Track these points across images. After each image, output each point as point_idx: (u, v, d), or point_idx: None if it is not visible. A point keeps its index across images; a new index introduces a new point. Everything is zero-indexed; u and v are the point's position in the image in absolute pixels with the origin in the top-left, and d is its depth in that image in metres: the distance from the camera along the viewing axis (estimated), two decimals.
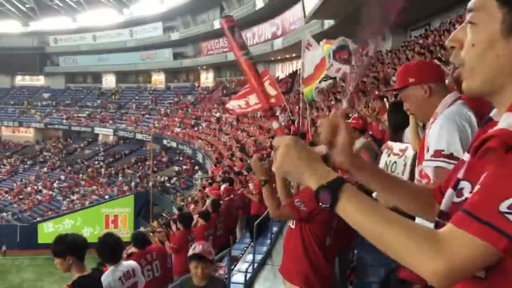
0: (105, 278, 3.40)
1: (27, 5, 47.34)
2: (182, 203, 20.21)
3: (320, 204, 0.92)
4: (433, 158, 1.84)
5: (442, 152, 1.80)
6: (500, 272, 0.82)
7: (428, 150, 1.92)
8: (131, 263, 3.91)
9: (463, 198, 0.90)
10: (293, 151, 0.98)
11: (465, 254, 0.80)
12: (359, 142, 5.14)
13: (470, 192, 0.87)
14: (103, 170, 37.14)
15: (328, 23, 21.81)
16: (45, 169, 39.47)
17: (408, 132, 3.14)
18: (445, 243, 0.82)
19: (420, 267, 0.83)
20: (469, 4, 0.95)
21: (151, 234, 7.33)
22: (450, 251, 0.81)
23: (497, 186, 0.78)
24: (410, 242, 0.84)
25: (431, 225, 0.98)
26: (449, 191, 0.95)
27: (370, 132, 5.61)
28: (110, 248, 3.62)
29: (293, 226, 3.10)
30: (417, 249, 0.84)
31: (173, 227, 7.03)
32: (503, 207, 0.76)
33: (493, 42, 0.89)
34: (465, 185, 0.91)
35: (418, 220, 1.32)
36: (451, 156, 1.77)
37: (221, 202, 8.54)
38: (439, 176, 1.79)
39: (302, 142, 1.01)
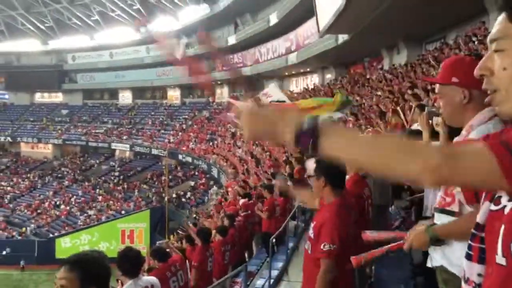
0: None
1: (46, 24, 48.51)
2: (194, 219, 20.23)
3: (303, 147, 0.91)
4: None
5: None
6: None
7: None
8: (152, 278, 3.92)
9: (501, 206, 0.91)
10: (256, 112, 0.97)
11: (473, 160, 0.84)
12: None
13: (508, 201, 0.88)
14: (119, 185, 37.46)
15: (342, 37, 21.87)
16: (63, 184, 39.97)
17: None
18: (458, 148, 0.88)
19: (411, 164, 0.85)
20: (491, 35, 0.97)
21: (171, 245, 7.39)
22: (456, 152, 0.85)
23: None
24: (402, 149, 0.88)
25: None
26: (486, 203, 0.96)
27: None
28: (130, 262, 3.63)
29: (310, 252, 2.99)
30: (411, 150, 0.87)
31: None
32: None
33: None
34: (502, 193, 0.91)
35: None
36: None
37: (237, 218, 8.56)
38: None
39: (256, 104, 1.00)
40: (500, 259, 0.84)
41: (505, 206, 0.88)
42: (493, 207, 0.93)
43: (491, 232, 0.92)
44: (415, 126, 4.92)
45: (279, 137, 0.94)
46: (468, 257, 1.03)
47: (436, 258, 2.11)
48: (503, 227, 0.84)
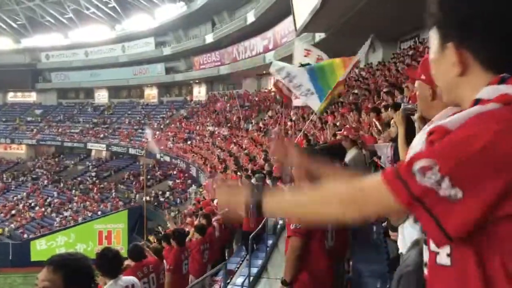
0: None
1: (18, 22, 47.42)
2: (174, 218, 20.12)
3: (251, 213, 1.20)
4: None
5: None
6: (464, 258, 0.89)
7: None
8: (132, 278, 3.89)
9: None
10: (223, 190, 1.32)
11: (370, 192, 0.93)
12: (351, 153, 5.22)
13: None
14: (96, 185, 36.92)
15: (319, 36, 22.05)
16: (37, 185, 39.16)
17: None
18: (363, 181, 0.96)
19: (332, 204, 1.01)
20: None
21: (146, 248, 7.32)
22: (359, 186, 0.96)
23: (419, 151, 0.90)
24: (319, 199, 1.04)
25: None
26: None
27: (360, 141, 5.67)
28: (109, 262, 3.60)
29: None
30: (331, 192, 1.03)
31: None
32: (415, 166, 0.86)
33: (437, 61, 1.03)
34: None
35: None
36: None
37: (215, 216, 8.55)
38: None
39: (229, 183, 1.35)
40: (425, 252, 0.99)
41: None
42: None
43: None
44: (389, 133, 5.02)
45: (238, 205, 1.23)
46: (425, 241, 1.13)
47: (400, 245, 2.22)
48: None
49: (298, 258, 3.08)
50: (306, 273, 3.03)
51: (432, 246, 0.93)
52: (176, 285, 6.39)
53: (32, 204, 35.71)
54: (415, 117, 2.69)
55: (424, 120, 2.73)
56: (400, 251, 2.27)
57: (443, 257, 0.91)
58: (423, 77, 1.98)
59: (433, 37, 1.03)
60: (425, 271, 1.18)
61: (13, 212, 34.82)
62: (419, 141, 1.83)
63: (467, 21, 0.94)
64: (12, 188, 39.79)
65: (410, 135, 3.07)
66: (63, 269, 1.72)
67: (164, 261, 6.42)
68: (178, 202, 29.83)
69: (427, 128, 1.90)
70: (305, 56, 9.46)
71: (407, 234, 2.10)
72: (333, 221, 1.07)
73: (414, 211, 0.87)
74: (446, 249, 0.90)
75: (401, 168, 0.89)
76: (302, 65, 8.58)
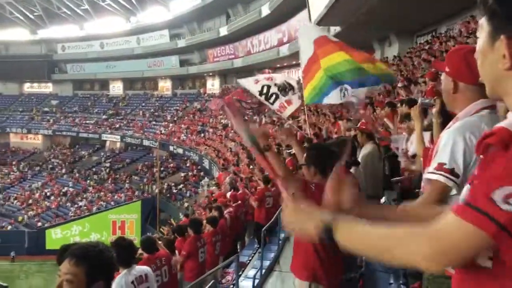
0: (118, 281, 3.46)
1: (35, 13, 47.87)
2: (186, 210, 20.27)
3: (323, 239, 1.10)
4: (434, 171, 1.81)
5: (444, 166, 1.76)
6: (503, 263, 0.87)
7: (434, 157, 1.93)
8: (145, 268, 3.94)
9: None
10: (296, 211, 1.19)
11: (456, 238, 0.87)
12: (367, 148, 5.18)
13: None
14: (110, 176, 37.32)
15: (334, 29, 21.87)
16: (53, 175, 39.72)
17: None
18: (439, 228, 0.89)
19: (411, 256, 0.92)
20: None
21: (158, 241, 7.39)
22: (439, 235, 0.88)
23: (492, 177, 0.84)
24: (399, 240, 0.95)
25: None
26: (466, 186, 1.00)
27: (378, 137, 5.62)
28: (124, 251, 3.65)
29: None
30: (406, 242, 0.93)
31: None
32: (496, 195, 0.82)
33: (485, 52, 0.99)
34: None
35: None
36: (451, 172, 1.74)
37: (227, 209, 8.60)
38: (435, 190, 1.78)
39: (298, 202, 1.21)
40: None
41: None
42: None
43: None
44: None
45: (307, 230, 1.14)
46: None
47: None
48: None
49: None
50: (316, 260, 2.95)
51: None
52: (193, 273, 6.45)
53: (48, 194, 36.26)
54: (433, 111, 2.68)
55: (442, 115, 2.71)
56: None
57: (484, 259, 0.89)
58: (447, 69, 1.96)
59: (483, 27, 0.99)
60: (451, 269, 1.14)
61: (29, 201, 35.41)
62: (447, 141, 1.81)
63: None
64: (28, 178, 40.44)
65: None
66: (86, 262, 1.65)
67: (177, 252, 6.47)
68: (189, 194, 29.99)
69: (455, 125, 1.88)
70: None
71: None
72: (402, 265, 1.00)
73: (500, 241, 0.83)
74: (489, 252, 0.88)
75: (476, 198, 0.85)
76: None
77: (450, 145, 1.78)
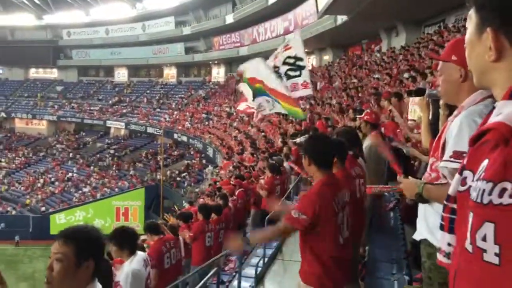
0: (135, 265, 3.65)
1: None
2: (190, 198, 20.32)
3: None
4: (452, 159, 1.81)
5: (463, 154, 1.75)
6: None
7: (444, 146, 1.91)
8: (144, 254, 4.10)
9: (466, 187, 0.94)
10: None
11: None
12: (368, 140, 5.16)
13: (472, 181, 0.92)
14: (114, 163, 37.47)
15: (341, 18, 21.70)
16: (57, 161, 39.92)
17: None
18: None
19: None
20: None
21: (162, 226, 7.44)
22: None
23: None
24: None
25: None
26: (456, 176, 1.01)
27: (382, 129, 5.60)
28: (131, 239, 3.85)
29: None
30: None
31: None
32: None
33: (472, 43, 1.01)
34: (467, 174, 0.95)
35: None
36: None
37: (231, 197, 8.62)
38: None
39: None
40: (468, 245, 0.88)
41: (470, 187, 0.91)
42: (460, 188, 0.97)
43: (460, 210, 0.97)
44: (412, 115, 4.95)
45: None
46: (441, 227, 1.13)
47: (421, 231, 2.19)
48: (471, 214, 0.87)
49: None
50: (319, 268, 2.88)
51: (480, 242, 0.86)
52: (201, 256, 6.68)
53: (52, 179, 36.48)
54: (441, 103, 2.65)
55: (449, 106, 2.68)
56: (419, 238, 2.23)
57: (491, 255, 0.88)
58: (454, 58, 1.94)
59: (471, 18, 1.01)
60: (443, 259, 1.17)
61: (34, 186, 35.66)
62: (460, 129, 1.82)
63: (509, 6, 0.92)
64: (33, 163, 40.66)
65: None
66: (74, 241, 1.72)
67: (180, 238, 6.55)
68: (192, 182, 30.08)
69: (463, 113, 1.87)
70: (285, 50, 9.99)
71: (431, 222, 2.07)
72: None
73: None
74: (495, 249, 0.86)
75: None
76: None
77: (466, 132, 1.79)
